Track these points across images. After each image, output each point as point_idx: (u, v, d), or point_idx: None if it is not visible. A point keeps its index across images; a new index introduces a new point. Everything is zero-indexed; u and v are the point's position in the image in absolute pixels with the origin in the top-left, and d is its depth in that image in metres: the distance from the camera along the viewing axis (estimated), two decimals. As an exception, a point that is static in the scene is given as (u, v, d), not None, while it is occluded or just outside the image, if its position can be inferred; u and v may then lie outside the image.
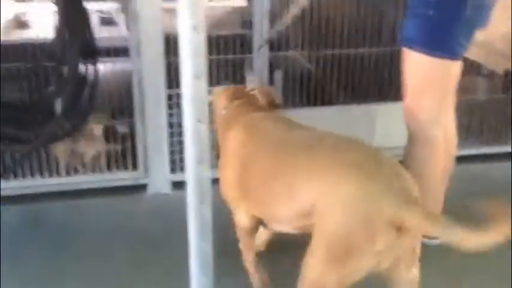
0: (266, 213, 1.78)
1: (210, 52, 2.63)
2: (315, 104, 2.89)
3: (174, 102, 2.56)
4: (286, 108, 2.81)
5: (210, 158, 1.57)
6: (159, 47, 2.48)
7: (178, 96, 2.35)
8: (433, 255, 1.99)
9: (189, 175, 1.57)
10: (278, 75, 3.23)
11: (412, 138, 2.15)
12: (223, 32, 2.95)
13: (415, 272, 1.62)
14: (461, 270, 2.14)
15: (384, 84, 2.94)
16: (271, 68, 3.04)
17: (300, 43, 2.95)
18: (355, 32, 2.88)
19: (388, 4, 2.87)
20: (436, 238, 2.01)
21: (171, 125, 2.60)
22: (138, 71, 2.52)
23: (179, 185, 2.44)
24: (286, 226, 1.73)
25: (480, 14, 1.97)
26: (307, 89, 2.89)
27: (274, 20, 2.83)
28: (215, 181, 1.73)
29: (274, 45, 2.83)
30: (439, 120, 2.11)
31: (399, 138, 2.87)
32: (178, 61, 1.51)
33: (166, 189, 2.66)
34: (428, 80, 2.04)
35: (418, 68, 2.02)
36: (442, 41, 1.96)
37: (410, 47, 2.01)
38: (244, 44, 2.89)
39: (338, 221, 1.48)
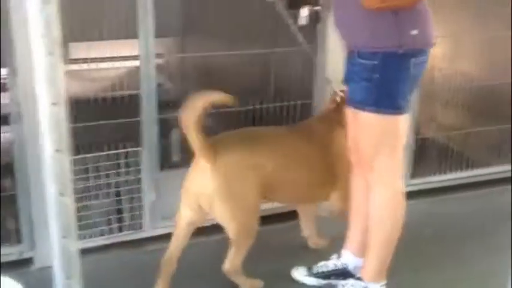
0: None
1: (104, 115, 2.62)
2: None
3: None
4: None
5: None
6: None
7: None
8: None
9: (55, 250, 1.52)
10: (175, 134, 3.24)
11: (374, 188, 2.23)
12: (118, 94, 2.93)
13: None
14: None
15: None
16: (168, 128, 3.06)
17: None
18: (249, 89, 2.96)
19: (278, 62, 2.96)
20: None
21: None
22: (20, 138, 2.44)
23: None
24: None
25: (422, 68, 2.13)
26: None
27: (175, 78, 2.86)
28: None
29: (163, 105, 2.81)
30: (398, 170, 2.24)
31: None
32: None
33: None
34: (380, 136, 2.15)
35: (370, 126, 2.14)
36: (390, 100, 2.08)
37: (359, 108, 2.13)
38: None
39: None
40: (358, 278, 2.39)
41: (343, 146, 2.42)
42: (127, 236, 2.79)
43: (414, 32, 2.01)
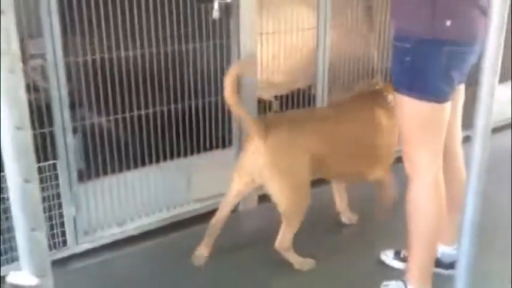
0: None
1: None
2: (128, 168, 2.74)
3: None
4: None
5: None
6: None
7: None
8: None
9: None
10: (77, 141, 2.98)
11: (412, 181, 2.18)
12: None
13: None
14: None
15: (194, 137, 2.90)
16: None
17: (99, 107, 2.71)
18: (159, 91, 2.79)
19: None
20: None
21: None
22: None
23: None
24: None
25: (461, 60, 2.04)
26: (117, 153, 2.71)
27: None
28: None
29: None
30: (436, 161, 2.14)
31: (213, 188, 2.87)
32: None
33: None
34: (416, 122, 2.10)
35: (407, 110, 2.11)
36: (422, 86, 2.04)
37: (398, 91, 2.11)
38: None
39: None
40: (403, 280, 2.31)
41: (385, 125, 2.60)
42: (50, 256, 2.55)
43: (449, 22, 1.96)
